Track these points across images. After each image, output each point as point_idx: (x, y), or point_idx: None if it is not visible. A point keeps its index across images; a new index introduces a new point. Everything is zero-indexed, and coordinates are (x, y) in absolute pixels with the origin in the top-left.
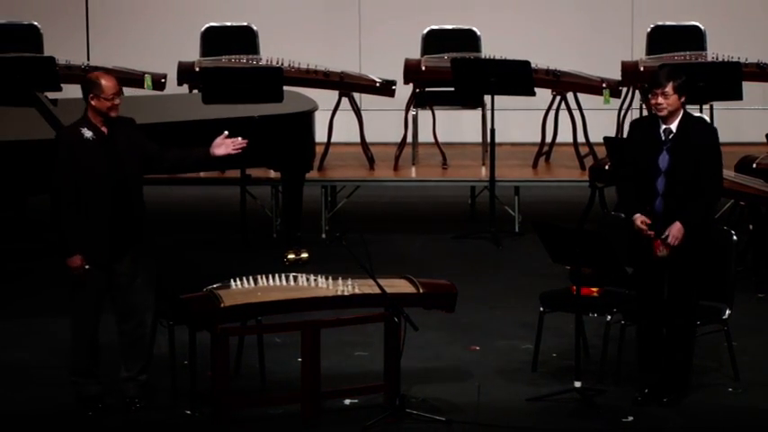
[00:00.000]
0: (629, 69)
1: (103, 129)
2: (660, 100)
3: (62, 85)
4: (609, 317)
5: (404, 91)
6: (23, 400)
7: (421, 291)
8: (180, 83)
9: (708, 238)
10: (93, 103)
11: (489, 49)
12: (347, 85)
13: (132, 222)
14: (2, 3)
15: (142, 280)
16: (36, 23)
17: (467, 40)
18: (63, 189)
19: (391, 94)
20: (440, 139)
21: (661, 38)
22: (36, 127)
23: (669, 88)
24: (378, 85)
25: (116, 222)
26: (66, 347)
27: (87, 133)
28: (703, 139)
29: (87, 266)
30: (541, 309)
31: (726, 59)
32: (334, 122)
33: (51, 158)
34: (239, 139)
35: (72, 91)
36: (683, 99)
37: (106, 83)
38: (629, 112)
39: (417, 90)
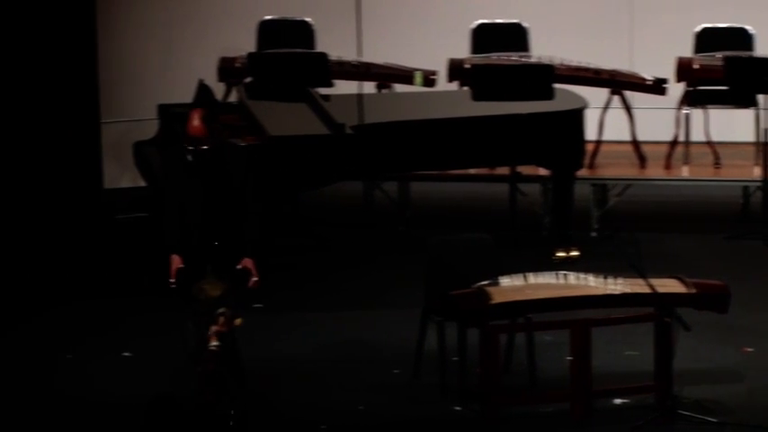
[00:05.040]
0: None
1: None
2: None
3: (334, 80)
4: None
5: (675, 89)
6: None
7: (692, 291)
8: (450, 80)
9: None
10: None
11: (764, 48)
12: (617, 83)
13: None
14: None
15: None
16: (308, 20)
17: (740, 38)
18: None
19: (662, 92)
20: (712, 138)
21: None
22: (308, 123)
23: None
24: (649, 83)
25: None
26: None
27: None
28: None
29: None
30: None
31: None
32: (604, 120)
33: (324, 154)
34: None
35: (343, 87)
36: None
37: (190, 122)
38: None
39: (689, 88)
